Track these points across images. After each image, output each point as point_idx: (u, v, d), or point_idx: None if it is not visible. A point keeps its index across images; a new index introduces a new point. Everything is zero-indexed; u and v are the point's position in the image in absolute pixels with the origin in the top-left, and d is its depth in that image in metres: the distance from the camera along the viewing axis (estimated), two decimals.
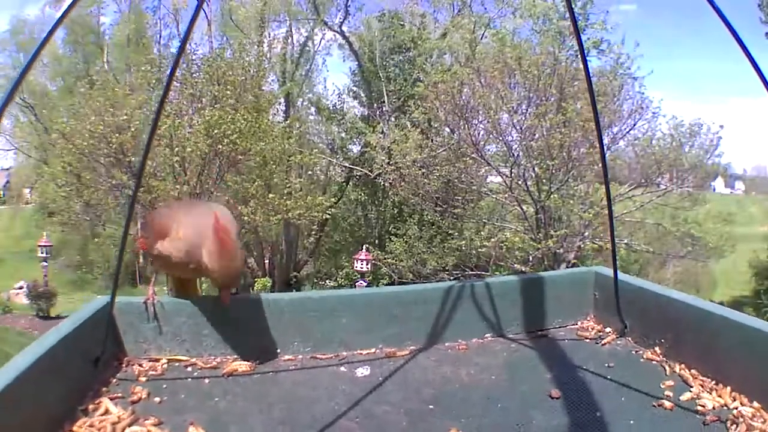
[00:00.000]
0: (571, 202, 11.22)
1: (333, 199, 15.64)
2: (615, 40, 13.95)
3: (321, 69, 19.53)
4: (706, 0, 0.79)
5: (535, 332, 1.33)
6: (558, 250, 11.45)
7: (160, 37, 20.08)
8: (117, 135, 10.96)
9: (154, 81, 11.85)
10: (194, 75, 12.01)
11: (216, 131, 10.75)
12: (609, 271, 1.30)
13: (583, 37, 13.99)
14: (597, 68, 12.60)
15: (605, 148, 11.25)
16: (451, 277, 13.07)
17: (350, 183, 18.40)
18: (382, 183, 15.83)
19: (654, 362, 1.15)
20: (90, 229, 15.96)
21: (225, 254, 1.06)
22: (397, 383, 1.10)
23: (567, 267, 11.41)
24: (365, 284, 13.40)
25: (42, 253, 16.27)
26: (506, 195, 12.32)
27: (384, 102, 17.12)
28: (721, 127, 11.58)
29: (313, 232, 17.61)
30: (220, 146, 10.94)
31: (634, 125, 11.59)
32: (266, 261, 18.19)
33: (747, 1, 14.18)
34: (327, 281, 18.30)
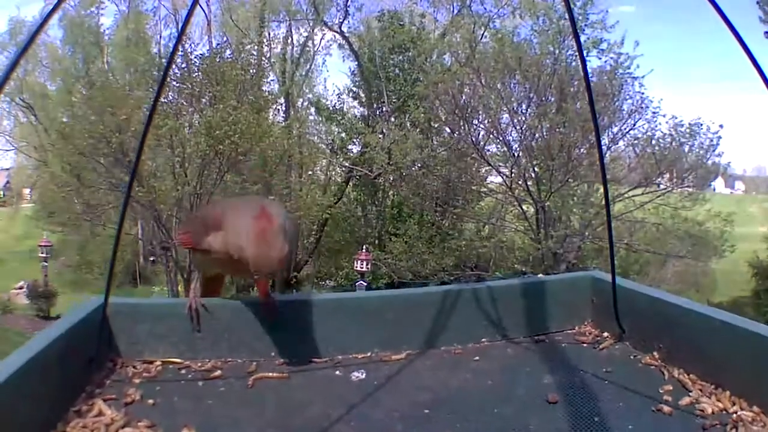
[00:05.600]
0: (571, 202, 11.22)
1: (333, 199, 15.64)
2: (615, 40, 13.94)
3: (321, 69, 19.59)
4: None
5: (533, 337, 1.32)
6: (558, 251, 11.45)
7: (160, 37, 20.11)
8: (117, 135, 10.97)
9: (152, 81, 11.87)
10: (194, 75, 12.01)
11: (217, 132, 10.76)
12: (607, 276, 1.29)
13: (583, 37, 13.98)
14: (597, 68, 12.58)
15: (605, 148, 11.32)
16: (451, 278, 13.05)
17: (350, 183, 18.38)
18: (382, 183, 15.81)
19: (652, 367, 1.14)
20: (90, 229, 15.97)
21: (263, 241, 1.04)
22: (393, 388, 1.09)
23: (567, 267, 11.41)
24: (365, 284, 13.40)
25: (42, 253, 16.31)
26: (506, 195, 12.32)
27: (384, 102, 17.11)
28: (721, 126, 11.60)
29: (313, 232, 17.59)
30: (221, 146, 10.94)
31: (634, 125, 11.61)
32: None
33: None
34: (327, 281, 18.29)
